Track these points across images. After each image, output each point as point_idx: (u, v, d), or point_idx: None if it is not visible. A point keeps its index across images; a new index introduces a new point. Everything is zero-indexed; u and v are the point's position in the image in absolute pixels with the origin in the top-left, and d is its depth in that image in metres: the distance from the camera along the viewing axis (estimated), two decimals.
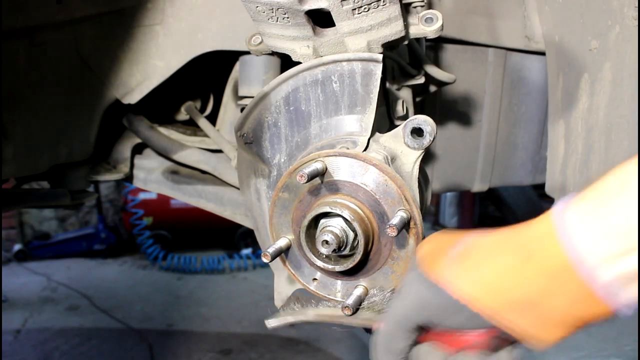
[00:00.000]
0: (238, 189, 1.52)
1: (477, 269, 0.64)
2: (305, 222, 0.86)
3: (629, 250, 0.54)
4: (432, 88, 1.42)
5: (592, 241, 0.55)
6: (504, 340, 0.67)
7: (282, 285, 1.15)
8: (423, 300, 0.68)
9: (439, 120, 1.68)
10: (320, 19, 0.95)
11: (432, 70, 1.30)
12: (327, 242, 0.83)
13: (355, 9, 0.89)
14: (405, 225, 0.83)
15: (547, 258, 0.58)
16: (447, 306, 0.65)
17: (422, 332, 0.72)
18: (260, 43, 1.07)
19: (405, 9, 0.98)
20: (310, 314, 0.94)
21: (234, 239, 6.13)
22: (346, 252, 0.86)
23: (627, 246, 0.54)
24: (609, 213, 0.55)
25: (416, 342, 0.73)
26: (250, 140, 1.06)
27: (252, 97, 1.06)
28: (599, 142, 1.24)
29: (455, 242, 0.70)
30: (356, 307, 0.89)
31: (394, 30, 0.94)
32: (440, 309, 0.66)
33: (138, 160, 1.69)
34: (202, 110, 1.69)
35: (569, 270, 0.56)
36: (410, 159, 0.90)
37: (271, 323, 0.94)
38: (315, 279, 0.96)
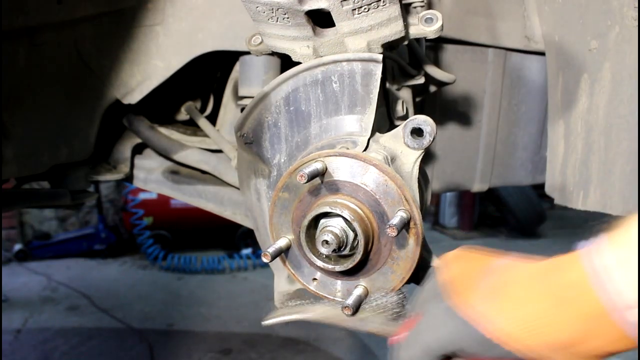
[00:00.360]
0: (238, 189, 1.53)
1: (514, 308, 0.66)
2: (305, 222, 0.86)
3: None
4: (432, 88, 1.42)
5: (622, 286, 0.60)
6: None
7: (282, 285, 1.15)
8: (454, 336, 0.69)
9: (439, 120, 1.68)
10: (320, 19, 0.95)
11: (432, 70, 1.30)
12: (327, 242, 0.83)
13: (355, 9, 0.90)
14: (405, 225, 0.83)
15: (584, 305, 0.62)
16: (479, 343, 0.67)
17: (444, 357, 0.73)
18: (260, 43, 1.07)
19: (405, 9, 0.98)
20: (309, 312, 0.93)
21: (234, 239, 6.13)
22: (346, 252, 0.86)
23: None
24: (634, 256, 0.60)
25: None
26: (250, 140, 1.06)
27: (252, 97, 1.06)
28: (599, 142, 1.24)
29: (485, 270, 0.71)
30: (356, 307, 0.89)
31: (394, 31, 0.94)
32: (472, 346, 0.68)
33: (138, 160, 1.69)
34: (202, 110, 1.69)
35: (604, 315, 0.61)
36: (410, 159, 0.90)
37: (267, 321, 0.94)
38: (315, 279, 0.96)
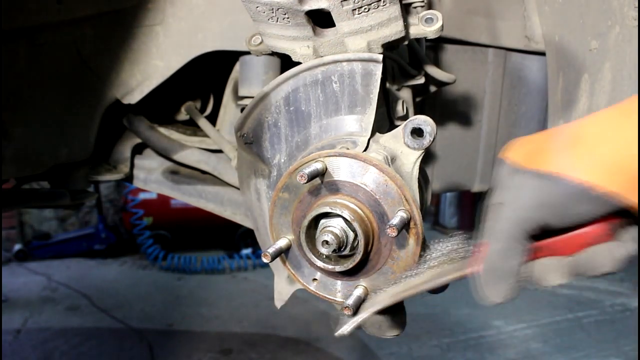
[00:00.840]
0: (238, 189, 1.53)
1: (596, 149, 0.60)
2: (306, 222, 0.86)
3: None
4: (432, 88, 1.42)
5: None
6: (624, 223, 0.64)
7: (282, 285, 1.15)
8: (541, 196, 0.63)
9: (439, 120, 1.68)
10: (320, 19, 0.95)
11: (432, 70, 1.30)
12: (327, 242, 0.83)
13: (355, 9, 0.89)
14: (405, 226, 0.83)
15: None
16: (571, 195, 0.61)
17: (533, 247, 0.67)
18: (260, 43, 1.07)
19: (405, 9, 0.98)
20: (381, 299, 0.85)
21: (234, 239, 6.13)
22: (346, 252, 0.86)
23: None
24: None
25: (529, 260, 0.68)
26: (250, 141, 1.06)
27: (252, 97, 1.06)
28: None
29: (553, 135, 0.65)
30: (356, 307, 0.89)
31: (394, 31, 0.94)
32: (564, 201, 0.62)
33: (138, 160, 1.69)
34: (202, 110, 1.69)
35: None
36: (410, 159, 0.90)
37: (343, 331, 0.85)
38: (315, 279, 0.96)
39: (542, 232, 0.66)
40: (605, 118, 0.63)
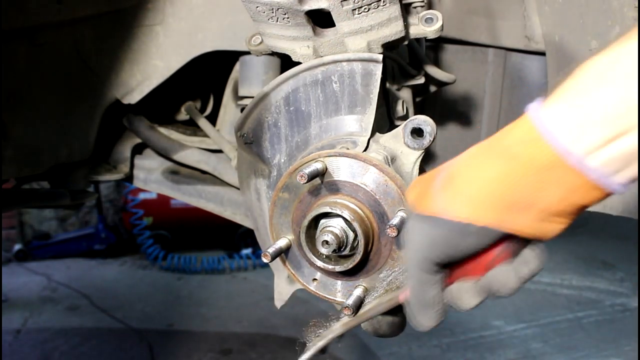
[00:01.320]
0: (238, 189, 1.52)
1: (467, 186, 0.65)
2: (306, 222, 0.86)
3: (613, 135, 0.56)
4: (432, 88, 1.42)
5: (575, 132, 0.57)
6: (521, 243, 0.68)
7: (282, 285, 1.15)
8: (429, 237, 0.68)
9: (439, 120, 1.68)
10: (320, 19, 0.95)
11: (432, 70, 1.30)
12: (327, 242, 0.83)
13: (355, 9, 0.90)
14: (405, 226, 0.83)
15: (534, 158, 0.59)
16: (453, 232, 0.65)
17: (446, 274, 0.72)
18: (260, 43, 1.07)
19: (405, 9, 0.98)
20: (336, 327, 0.92)
21: (234, 239, 6.12)
22: (346, 252, 0.86)
23: (610, 132, 0.56)
24: (588, 103, 0.57)
25: (446, 286, 0.73)
26: (250, 141, 1.06)
27: (252, 97, 1.06)
28: None
29: (436, 175, 0.70)
30: (356, 308, 0.89)
31: (394, 31, 0.94)
32: (449, 238, 0.66)
33: (138, 160, 1.69)
34: (202, 110, 1.69)
35: (558, 164, 0.58)
36: (410, 159, 0.90)
37: (304, 358, 0.93)
38: (315, 279, 0.96)
39: (449, 262, 0.71)
40: (470, 157, 0.68)
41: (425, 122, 0.88)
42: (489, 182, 0.63)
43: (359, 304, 0.89)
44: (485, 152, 0.66)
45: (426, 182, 0.71)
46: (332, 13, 0.90)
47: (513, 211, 0.62)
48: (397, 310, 1.04)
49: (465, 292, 0.73)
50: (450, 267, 0.72)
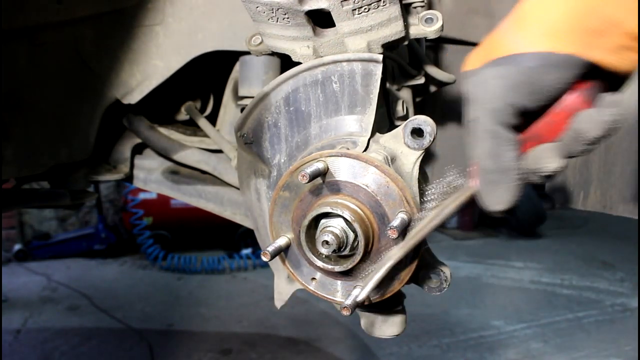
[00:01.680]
0: (238, 189, 1.52)
1: (544, 16, 0.61)
2: (306, 222, 0.86)
3: None
4: (432, 88, 1.42)
5: None
6: (598, 88, 0.64)
7: (282, 285, 1.15)
8: (506, 80, 0.63)
9: (439, 120, 1.68)
10: (320, 19, 0.95)
11: (432, 70, 1.30)
12: (327, 242, 0.83)
13: (355, 9, 0.89)
14: (406, 228, 0.83)
15: None
16: (532, 70, 0.61)
17: (520, 140, 0.67)
18: (260, 43, 1.07)
19: (405, 9, 0.98)
20: (392, 254, 0.84)
21: (234, 239, 6.13)
22: (346, 252, 0.86)
23: None
24: None
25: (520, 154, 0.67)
26: (250, 141, 1.06)
27: (252, 97, 1.06)
28: None
29: (498, 29, 0.66)
30: (355, 307, 0.89)
31: (394, 31, 0.94)
32: (526, 78, 0.62)
33: (138, 161, 1.69)
34: (202, 110, 1.69)
35: None
36: (410, 159, 0.90)
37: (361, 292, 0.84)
38: (314, 279, 0.96)
39: (523, 121, 0.65)
40: None
41: (425, 122, 0.88)
42: (569, 6, 0.59)
43: (357, 305, 0.89)
44: None
45: (488, 41, 0.66)
46: (332, 13, 0.90)
47: (595, 35, 0.58)
48: (399, 310, 1.04)
49: (544, 155, 0.66)
50: (522, 130, 0.66)
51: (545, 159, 0.66)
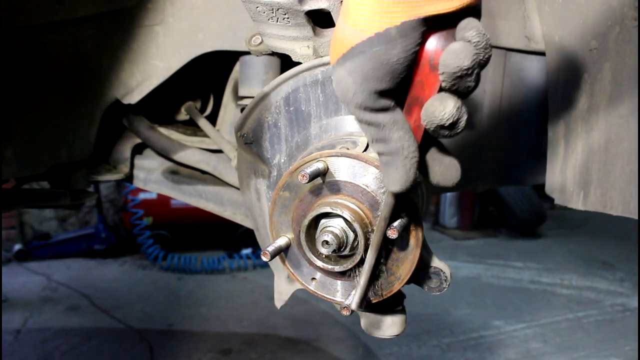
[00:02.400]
0: (238, 189, 1.53)
1: (362, 1, 0.61)
2: (306, 221, 0.86)
3: None
4: None
5: None
6: (448, 30, 0.63)
7: (282, 285, 1.15)
8: (359, 69, 0.63)
9: None
10: (320, 19, 0.95)
11: None
12: (327, 242, 0.83)
13: None
14: (406, 227, 0.83)
15: None
16: (378, 48, 0.61)
17: (405, 111, 0.67)
18: (261, 43, 1.07)
19: None
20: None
21: (234, 239, 6.13)
22: (346, 252, 0.86)
23: None
24: None
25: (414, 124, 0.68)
26: (250, 141, 1.06)
27: (252, 97, 1.06)
28: (599, 142, 1.24)
29: (337, 22, 0.67)
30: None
31: None
32: (377, 57, 0.62)
33: (138, 161, 1.69)
34: (202, 110, 1.69)
35: None
36: None
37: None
38: (314, 279, 0.96)
39: (399, 88, 0.66)
40: None
41: None
42: None
43: (352, 311, 0.89)
44: None
45: (332, 39, 0.68)
46: (332, 13, 0.91)
47: None
48: (399, 310, 1.04)
49: (434, 103, 0.65)
50: (404, 93, 0.66)
51: (437, 107, 0.64)
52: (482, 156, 1.77)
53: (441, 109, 0.64)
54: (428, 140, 0.73)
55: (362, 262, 0.87)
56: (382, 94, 0.65)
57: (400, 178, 0.70)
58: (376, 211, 0.85)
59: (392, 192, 0.75)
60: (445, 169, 0.77)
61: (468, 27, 0.62)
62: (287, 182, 0.90)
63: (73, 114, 1.46)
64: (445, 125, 0.65)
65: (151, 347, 4.07)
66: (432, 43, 0.64)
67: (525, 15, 1.54)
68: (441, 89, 0.66)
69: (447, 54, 0.62)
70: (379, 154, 0.71)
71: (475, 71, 0.63)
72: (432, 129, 0.67)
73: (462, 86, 0.63)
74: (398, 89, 0.66)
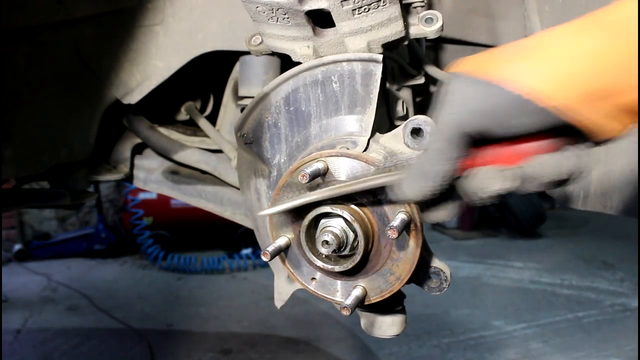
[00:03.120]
0: (238, 189, 1.52)
1: (550, 59, 0.58)
2: (306, 221, 0.86)
3: None
4: (432, 88, 1.42)
5: None
6: (568, 141, 0.62)
7: (282, 285, 1.15)
8: (474, 102, 0.61)
9: None
10: (320, 19, 0.95)
11: (432, 70, 1.30)
12: (327, 242, 0.83)
13: (355, 9, 0.90)
14: (406, 227, 0.83)
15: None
16: (508, 105, 0.58)
17: (470, 155, 0.65)
18: (261, 43, 1.07)
19: (405, 10, 0.98)
20: (313, 194, 0.84)
21: (234, 239, 6.13)
22: (346, 252, 0.86)
23: None
24: None
25: (466, 168, 0.67)
26: (250, 141, 1.06)
27: (252, 97, 1.06)
28: None
29: (506, 47, 0.63)
30: (354, 308, 0.89)
31: (394, 31, 0.94)
32: (500, 110, 0.59)
33: (138, 161, 1.69)
34: (202, 110, 1.69)
35: None
36: None
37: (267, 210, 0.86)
38: (314, 279, 0.96)
39: (485, 139, 0.64)
40: (561, 32, 0.59)
41: (425, 122, 0.87)
42: (578, 61, 0.56)
43: (357, 304, 0.89)
44: (583, 26, 0.57)
45: (491, 53, 0.64)
46: (332, 13, 0.90)
47: (591, 99, 0.56)
48: (399, 309, 1.04)
49: (492, 176, 0.64)
50: (478, 146, 0.64)
51: (493, 179, 0.64)
52: None
53: (494, 182, 0.64)
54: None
55: (362, 262, 0.87)
56: (478, 132, 0.63)
57: (412, 192, 0.70)
58: (376, 212, 0.85)
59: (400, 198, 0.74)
60: (440, 215, 0.79)
61: (572, 159, 0.62)
62: (287, 182, 0.90)
63: (73, 114, 1.46)
64: (482, 195, 0.66)
65: (151, 347, 4.07)
66: (544, 143, 0.62)
67: (525, 15, 1.54)
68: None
69: (547, 162, 0.61)
70: (417, 162, 0.70)
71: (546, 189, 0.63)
72: (470, 188, 0.67)
73: (525, 187, 0.64)
74: (478, 144, 0.65)
